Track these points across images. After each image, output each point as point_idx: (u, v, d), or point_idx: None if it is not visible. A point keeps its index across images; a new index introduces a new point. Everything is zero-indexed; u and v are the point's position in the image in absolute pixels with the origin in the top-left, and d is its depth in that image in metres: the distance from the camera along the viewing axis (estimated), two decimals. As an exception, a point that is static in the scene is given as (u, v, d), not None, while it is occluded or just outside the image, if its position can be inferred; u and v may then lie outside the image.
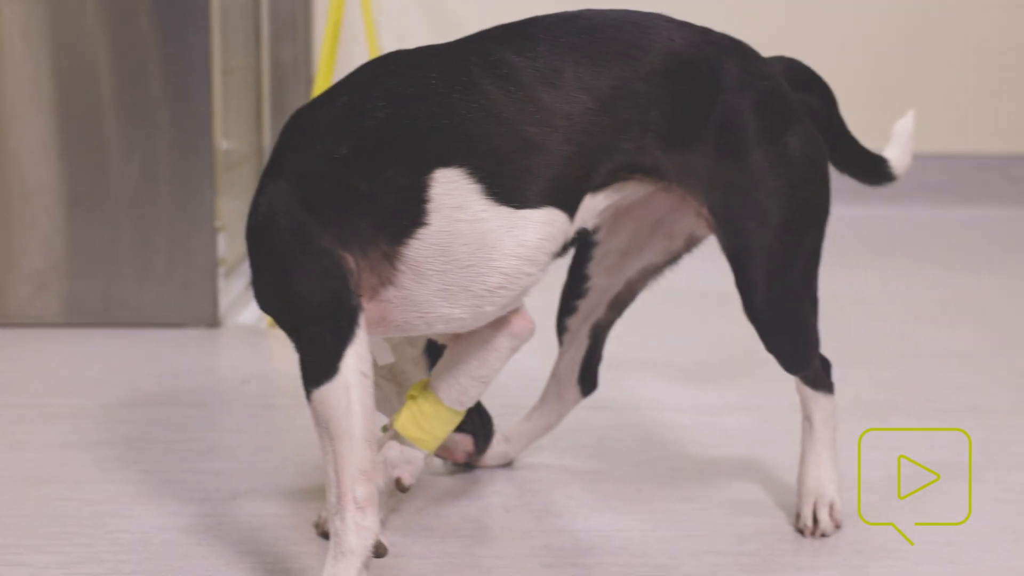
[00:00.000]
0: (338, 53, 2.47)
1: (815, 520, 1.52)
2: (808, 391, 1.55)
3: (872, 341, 2.34)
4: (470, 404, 1.48)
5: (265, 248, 1.36)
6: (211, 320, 2.37)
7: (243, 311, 2.53)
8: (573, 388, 1.70)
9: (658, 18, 1.46)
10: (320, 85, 2.39)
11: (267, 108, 2.93)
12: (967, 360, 2.24)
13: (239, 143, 2.70)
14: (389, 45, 3.60)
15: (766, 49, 1.53)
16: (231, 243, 2.54)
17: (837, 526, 1.52)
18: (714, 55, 1.44)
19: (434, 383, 1.46)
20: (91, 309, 2.37)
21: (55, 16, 2.30)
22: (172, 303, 2.36)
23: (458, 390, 1.45)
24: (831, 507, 1.52)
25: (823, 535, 1.51)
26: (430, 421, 1.45)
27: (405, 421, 1.45)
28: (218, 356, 2.23)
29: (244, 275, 2.70)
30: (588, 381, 1.70)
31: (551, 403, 1.71)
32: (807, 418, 1.56)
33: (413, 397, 1.46)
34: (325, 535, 1.46)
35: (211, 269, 2.37)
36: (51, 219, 2.35)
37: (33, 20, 2.30)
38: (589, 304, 1.65)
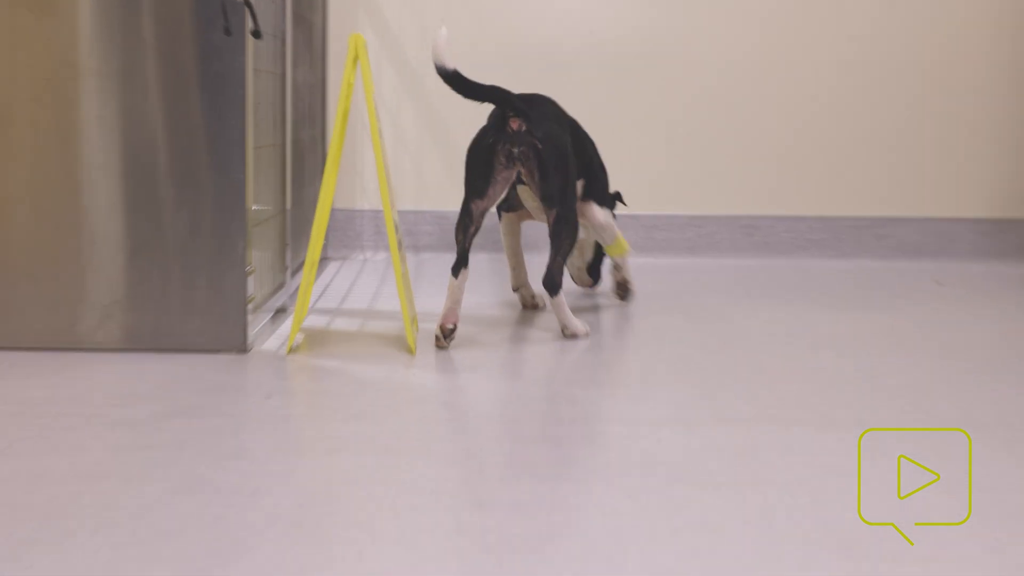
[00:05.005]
0: (346, 134, 2.44)
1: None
2: None
3: (773, 364, 2.28)
4: (611, 240, 2.82)
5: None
6: (241, 347, 2.31)
7: (267, 340, 2.45)
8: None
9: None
10: (332, 159, 2.33)
11: (289, 177, 2.90)
12: (847, 381, 2.18)
13: (265, 205, 2.66)
14: (386, 126, 3.61)
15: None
16: (258, 284, 2.48)
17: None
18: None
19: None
20: (145, 337, 2.30)
21: (125, 102, 2.24)
22: (211, 332, 2.30)
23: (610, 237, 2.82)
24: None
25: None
26: (611, 249, 2.84)
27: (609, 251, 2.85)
28: (246, 376, 2.15)
29: (268, 311, 2.65)
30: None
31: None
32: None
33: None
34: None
35: (242, 305, 2.30)
36: (115, 263, 2.28)
37: (107, 104, 2.24)
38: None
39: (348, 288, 3.15)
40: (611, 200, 2.86)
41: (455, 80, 2.37)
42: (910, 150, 3.74)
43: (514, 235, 2.84)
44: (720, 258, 3.69)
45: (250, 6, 2.21)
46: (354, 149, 3.70)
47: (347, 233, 3.70)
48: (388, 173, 2.44)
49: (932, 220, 3.77)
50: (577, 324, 2.53)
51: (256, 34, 2.23)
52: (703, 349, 2.44)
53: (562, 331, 2.53)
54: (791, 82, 3.70)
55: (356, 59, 2.36)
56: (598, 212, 2.80)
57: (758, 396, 2.02)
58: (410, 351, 2.34)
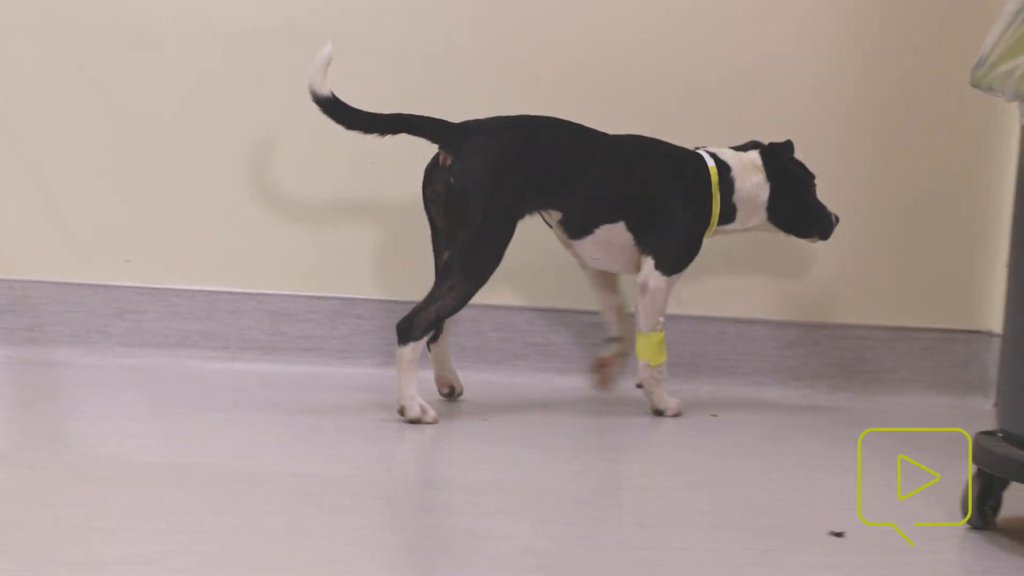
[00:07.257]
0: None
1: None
2: None
3: None
4: (647, 326, 2.87)
5: None
6: None
7: None
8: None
9: None
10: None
11: None
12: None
13: None
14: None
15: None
16: None
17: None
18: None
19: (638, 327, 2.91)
20: None
21: None
22: None
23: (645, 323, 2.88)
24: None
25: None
26: (641, 343, 2.88)
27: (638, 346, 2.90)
28: None
29: None
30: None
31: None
32: None
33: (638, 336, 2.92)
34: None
35: None
36: None
37: None
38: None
39: None
40: (676, 265, 2.90)
41: (333, 109, 2.56)
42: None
43: (601, 288, 3.00)
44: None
45: None
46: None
47: None
48: None
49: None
50: (416, 407, 2.55)
51: None
52: None
53: (398, 406, 2.58)
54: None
55: None
56: (648, 271, 2.86)
57: None
58: None
